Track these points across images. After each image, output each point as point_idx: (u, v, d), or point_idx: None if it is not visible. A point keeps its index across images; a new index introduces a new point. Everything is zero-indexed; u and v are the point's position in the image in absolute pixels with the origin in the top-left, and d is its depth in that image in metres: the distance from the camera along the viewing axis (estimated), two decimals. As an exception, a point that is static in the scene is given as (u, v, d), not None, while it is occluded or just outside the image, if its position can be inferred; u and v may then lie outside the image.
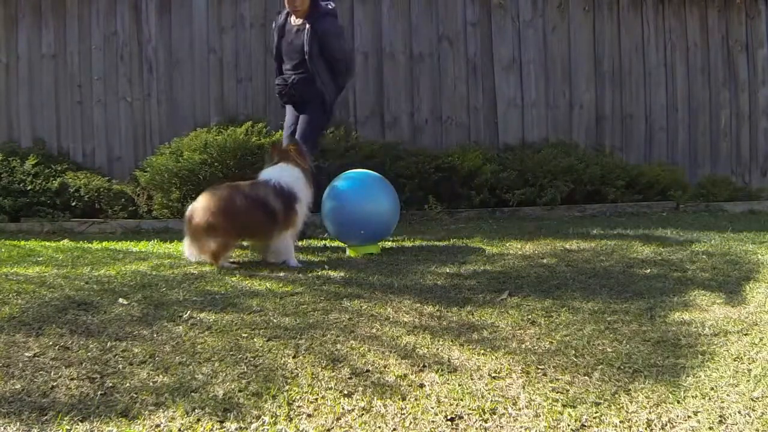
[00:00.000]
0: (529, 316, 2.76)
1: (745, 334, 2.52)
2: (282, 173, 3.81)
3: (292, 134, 4.65)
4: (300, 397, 2.00)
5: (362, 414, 1.91)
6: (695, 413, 1.88)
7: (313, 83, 4.54)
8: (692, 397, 1.99)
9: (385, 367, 2.23)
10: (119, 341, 2.45)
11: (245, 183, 3.87)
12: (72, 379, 2.11)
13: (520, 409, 1.92)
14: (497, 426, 1.84)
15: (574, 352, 2.36)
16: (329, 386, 2.08)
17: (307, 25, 4.49)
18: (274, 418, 1.87)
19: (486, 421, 1.86)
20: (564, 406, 1.94)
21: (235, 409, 1.91)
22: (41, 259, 3.94)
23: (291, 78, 4.63)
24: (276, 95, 4.90)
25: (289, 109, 4.80)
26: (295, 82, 4.60)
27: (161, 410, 1.91)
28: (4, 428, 1.80)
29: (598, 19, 7.00)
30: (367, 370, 2.20)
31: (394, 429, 1.83)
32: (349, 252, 4.10)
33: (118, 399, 1.98)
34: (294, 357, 2.32)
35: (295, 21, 4.62)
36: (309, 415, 1.90)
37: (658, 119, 7.12)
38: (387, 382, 2.11)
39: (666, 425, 1.83)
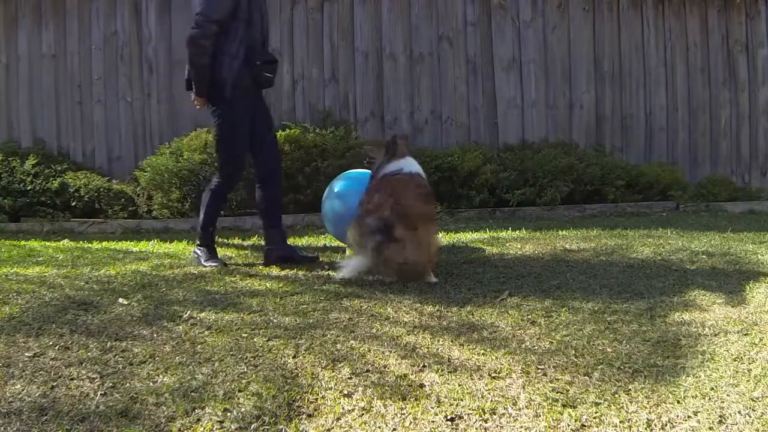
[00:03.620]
0: (529, 316, 2.76)
1: (745, 334, 2.52)
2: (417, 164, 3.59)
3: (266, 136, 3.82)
4: (300, 397, 2.00)
5: (362, 414, 1.90)
6: (695, 413, 1.88)
7: None
8: (692, 397, 1.99)
9: (385, 367, 2.22)
10: (119, 341, 2.45)
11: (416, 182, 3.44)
12: (72, 379, 2.11)
13: (520, 409, 1.92)
14: (497, 426, 1.84)
15: (574, 352, 2.36)
16: (329, 386, 2.08)
17: None
18: (274, 418, 1.87)
19: (486, 421, 1.86)
20: (564, 406, 1.94)
21: (235, 409, 1.91)
22: (41, 259, 3.94)
23: (274, 58, 3.78)
24: (250, 83, 3.66)
25: (249, 110, 3.72)
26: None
27: (161, 410, 1.91)
28: (4, 428, 1.80)
29: (598, 19, 7.00)
30: (367, 370, 2.20)
31: (394, 429, 1.83)
32: (349, 252, 4.10)
33: (118, 399, 1.98)
34: (294, 357, 2.32)
35: None
36: (309, 415, 1.90)
37: (658, 119, 7.12)
38: (387, 382, 2.11)
39: (666, 425, 1.83)
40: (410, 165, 3.52)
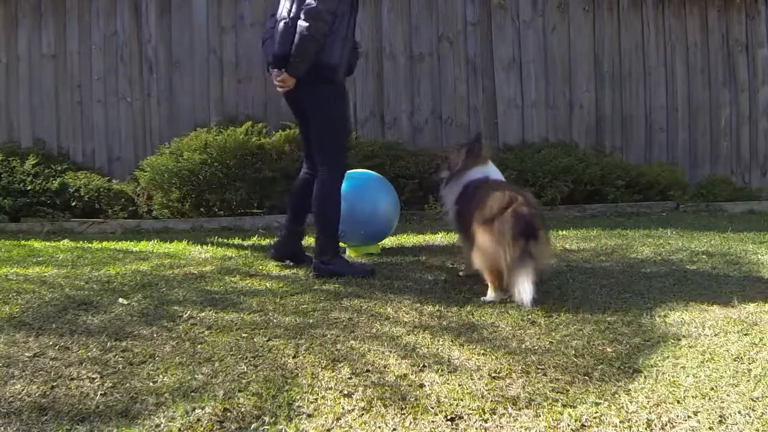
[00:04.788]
0: (529, 316, 2.76)
1: (745, 334, 2.52)
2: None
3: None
4: (300, 397, 2.00)
5: (362, 414, 1.91)
6: (695, 413, 1.88)
7: None
8: (692, 397, 1.99)
9: (385, 367, 2.22)
10: (119, 341, 2.45)
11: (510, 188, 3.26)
12: (72, 379, 2.11)
13: (520, 409, 1.92)
14: (497, 426, 1.84)
15: (574, 352, 2.36)
16: (329, 386, 2.08)
17: None
18: (274, 418, 1.87)
19: (486, 421, 1.86)
20: (564, 406, 1.94)
21: (235, 409, 1.91)
22: (41, 259, 3.94)
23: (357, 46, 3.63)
24: (344, 70, 3.46)
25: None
26: None
27: (161, 410, 1.91)
28: (4, 428, 1.80)
29: (598, 19, 7.00)
30: (367, 370, 2.20)
31: (394, 429, 1.83)
32: (349, 252, 4.10)
33: (118, 399, 1.98)
34: (294, 357, 2.32)
35: None
36: (309, 415, 1.90)
37: (658, 119, 7.11)
38: (387, 382, 2.11)
39: (666, 425, 1.83)
40: (495, 171, 3.39)
